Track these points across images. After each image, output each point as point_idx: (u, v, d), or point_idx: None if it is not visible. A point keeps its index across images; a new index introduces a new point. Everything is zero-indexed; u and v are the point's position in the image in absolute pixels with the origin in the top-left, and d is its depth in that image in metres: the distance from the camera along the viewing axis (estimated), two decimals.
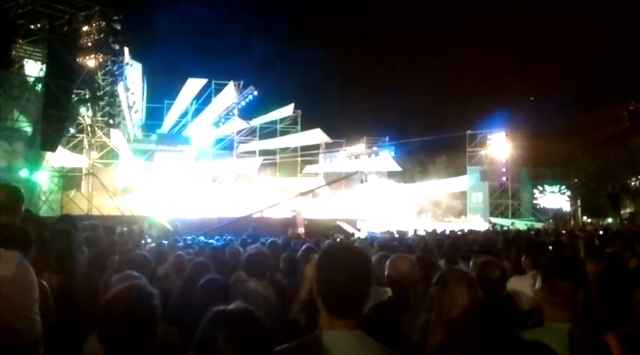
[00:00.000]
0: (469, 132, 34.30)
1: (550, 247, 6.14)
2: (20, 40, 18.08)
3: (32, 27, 18.18)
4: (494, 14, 38.96)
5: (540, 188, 36.17)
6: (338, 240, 11.06)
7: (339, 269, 1.92)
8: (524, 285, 4.28)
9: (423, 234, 16.21)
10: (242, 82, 33.64)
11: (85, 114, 25.35)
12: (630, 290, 2.67)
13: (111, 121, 25.44)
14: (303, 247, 5.92)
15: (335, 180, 29.57)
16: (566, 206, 36.46)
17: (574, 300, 2.35)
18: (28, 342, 2.04)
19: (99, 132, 27.26)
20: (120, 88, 25.18)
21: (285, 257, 4.92)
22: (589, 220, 36.37)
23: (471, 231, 17.36)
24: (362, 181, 29.16)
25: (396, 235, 15.05)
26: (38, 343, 2.10)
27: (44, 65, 17.73)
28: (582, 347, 2.22)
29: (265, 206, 21.05)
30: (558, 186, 36.44)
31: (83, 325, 3.20)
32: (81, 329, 3.09)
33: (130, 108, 28.03)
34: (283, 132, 35.59)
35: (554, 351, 1.39)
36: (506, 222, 30.51)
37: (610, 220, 34.96)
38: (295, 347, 1.90)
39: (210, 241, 10.47)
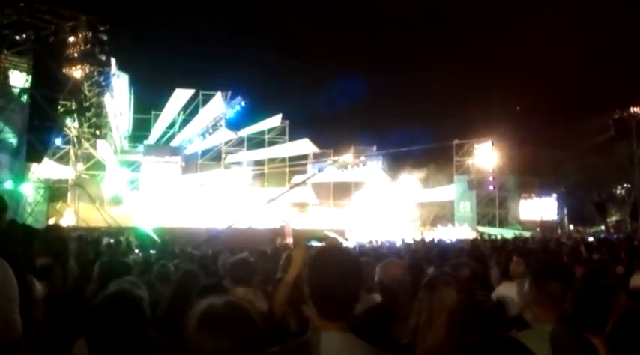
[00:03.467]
0: (456, 141, 34.48)
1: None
2: (5, 51, 17.97)
3: (17, 37, 18.06)
4: (480, 24, 39.38)
5: (527, 196, 36.40)
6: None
7: (331, 272, 1.94)
8: (512, 291, 4.31)
9: (411, 242, 16.27)
10: (229, 93, 33.64)
11: (72, 125, 25.21)
12: (611, 294, 2.69)
13: (97, 132, 25.31)
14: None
15: (294, 185, 29.56)
16: (553, 215, 36.70)
17: (562, 302, 2.38)
18: (9, 343, 2.01)
19: (85, 144, 27.12)
20: (107, 98, 25.08)
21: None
22: (575, 228, 36.63)
23: (459, 240, 17.46)
24: (319, 170, 29.60)
25: (386, 244, 15.10)
26: (19, 344, 2.07)
27: (30, 76, 17.63)
28: (568, 348, 2.24)
29: (238, 216, 20.96)
30: (546, 194, 36.69)
31: (71, 331, 3.17)
32: (69, 336, 3.07)
33: (116, 119, 27.92)
34: (271, 143, 35.55)
35: (528, 349, 1.40)
36: (493, 231, 30.64)
37: (596, 228, 35.22)
38: (286, 348, 1.90)
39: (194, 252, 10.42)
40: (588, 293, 2.65)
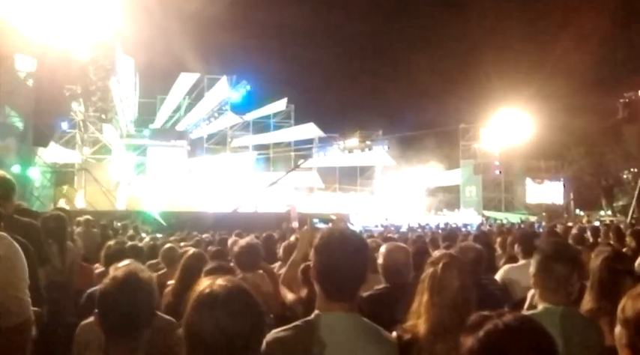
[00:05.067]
0: (462, 125, 34.30)
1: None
2: None
3: None
4: (486, 7, 38.99)
5: (533, 181, 36.30)
6: None
7: (337, 253, 1.95)
8: (517, 274, 4.32)
9: (416, 226, 16.32)
10: (235, 77, 33.59)
11: (77, 109, 25.20)
12: (624, 278, 2.69)
13: (103, 116, 25.32)
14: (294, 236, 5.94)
15: (290, 170, 29.48)
16: (559, 199, 36.59)
17: (568, 283, 2.38)
18: (19, 323, 2.02)
19: (91, 128, 27.15)
20: (112, 82, 25.04)
21: (285, 247, 4.93)
22: (582, 213, 36.49)
23: (464, 225, 17.48)
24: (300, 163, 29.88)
25: (392, 229, 15.13)
26: (29, 324, 2.08)
27: (35, 60, 17.59)
28: (575, 330, 2.24)
29: (244, 200, 20.99)
30: (552, 178, 36.58)
31: (76, 314, 3.20)
32: (74, 318, 3.10)
33: (122, 103, 27.92)
34: (277, 127, 35.53)
35: (544, 328, 1.39)
36: (499, 216, 30.62)
37: (602, 213, 35.07)
38: (292, 330, 1.92)
39: (206, 236, 10.44)
40: (605, 276, 2.65)
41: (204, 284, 1.58)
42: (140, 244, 5.74)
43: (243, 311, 1.53)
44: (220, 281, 1.58)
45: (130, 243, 5.32)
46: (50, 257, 3.73)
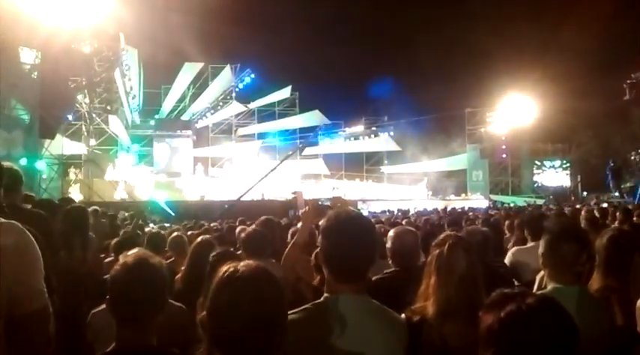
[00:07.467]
0: (468, 109, 34.10)
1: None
2: None
3: None
4: None
5: (540, 164, 36.13)
6: None
7: (344, 235, 1.95)
8: (525, 256, 4.32)
9: (422, 210, 16.30)
10: (238, 65, 33.49)
11: (83, 101, 25.25)
12: (631, 256, 2.69)
13: (108, 108, 25.40)
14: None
15: (285, 157, 29.37)
16: (566, 182, 36.43)
17: (577, 263, 2.38)
18: (36, 310, 2.02)
19: (97, 119, 27.19)
20: (116, 74, 25.05)
21: (294, 231, 4.94)
22: (589, 195, 36.30)
23: (471, 208, 17.46)
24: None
25: (399, 214, 15.13)
26: (45, 312, 2.08)
27: (39, 52, 17.60)
28: (584, 310, 2.24)
29: (249, 188, 20.95)
30: (559, 161, 36.39)
31: (88, 303, 3.23)
32: (85, 307, 3.12)
33: (127, 94, 27.93)
34: (282, 115, 35.46)
35: (565, 310, 1.40)
36: (506, 200, 30.55)
37: (610, 194, 34.89)
38: (302, 312, 1.92)
39: (214, 225, 10.46)
40: (612, 254, 2.65)
41: (228, 265, 1.60)
42: (163, 232, 5.77)
43: (267, 289, 1.55)
44: (243, 263, 1.60)
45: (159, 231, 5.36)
46: (60, 247, 3.75)
